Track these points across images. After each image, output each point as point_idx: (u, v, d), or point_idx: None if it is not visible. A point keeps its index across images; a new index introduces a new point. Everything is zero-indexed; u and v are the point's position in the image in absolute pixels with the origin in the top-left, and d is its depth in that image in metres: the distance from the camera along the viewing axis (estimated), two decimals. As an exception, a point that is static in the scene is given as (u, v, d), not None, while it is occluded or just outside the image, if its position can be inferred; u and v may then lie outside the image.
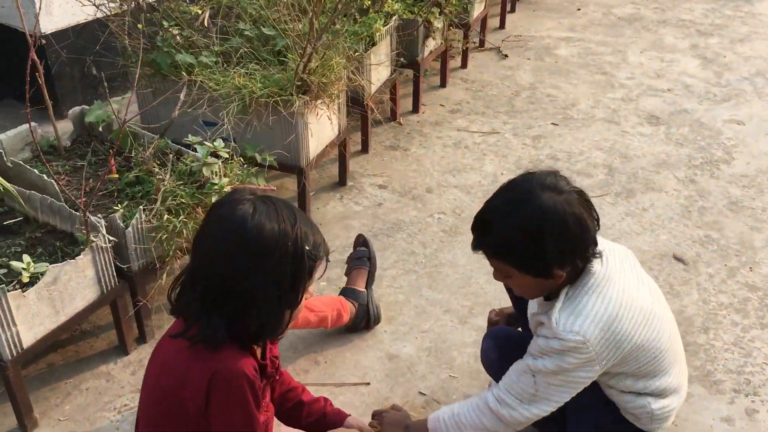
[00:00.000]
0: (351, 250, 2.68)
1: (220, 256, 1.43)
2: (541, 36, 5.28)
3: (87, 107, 2.78)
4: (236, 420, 1.49)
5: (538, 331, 1.74)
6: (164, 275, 2.35)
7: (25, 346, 2.02)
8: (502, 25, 5.40)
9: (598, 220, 1.69)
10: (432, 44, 4.02)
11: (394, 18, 3.57)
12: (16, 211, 2.35)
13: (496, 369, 1.96)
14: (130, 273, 2.30)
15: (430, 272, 2.80)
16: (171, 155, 2.48)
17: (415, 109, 4.07)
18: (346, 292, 2.47)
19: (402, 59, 3.83)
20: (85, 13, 3.16)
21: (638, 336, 1.70)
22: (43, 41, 2.48)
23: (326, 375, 2.34)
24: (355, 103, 3.43)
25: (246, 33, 2.99)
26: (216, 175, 2.39)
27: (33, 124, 2.73)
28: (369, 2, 3.27)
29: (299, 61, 2.62)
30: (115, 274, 2.25)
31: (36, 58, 2.54)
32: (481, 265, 2.77)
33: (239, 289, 1.43)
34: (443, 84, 4.39)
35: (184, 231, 2.30)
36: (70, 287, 2.11)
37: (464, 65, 4.66)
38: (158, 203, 2.31)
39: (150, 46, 2.88)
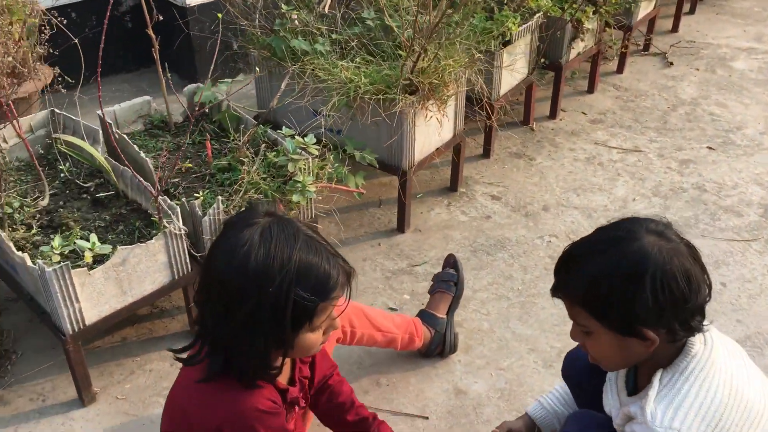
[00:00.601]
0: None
1: (211, 281, 1.33)
2: (718, 44, 4.71)
3: (202, 85, 2.78)
4: None
5: (626, 428, 1.44)
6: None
7: (87, 323, 2.04)
8: (675, 28, 4.86)
9: (710, 286, 1.39)
10: (581, 46, 3.67)
11: (537, 15, 3.28)
12: (110, 184, 2.39)
13: None
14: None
15: (524, 302, 2.55)
16: (262, 145, 2.41)
17: (553, 115, 3.75)
18: (425, 316, 2.29)
19: (543, 60, 3.54)
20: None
21: None
22: (160, 17, 2.47)
23: (385, 400, 2.18)
24: (478, 104, 3.21)
25: (368, 22, 2.85)
26: (301, 172, 2.29)
27: (146, 98, 2.80)
28: (506, -3, 3.01)
29: (404, 59, 2.44)
30: (188, 260, 2.23)
31: (152, 33, 2.57)
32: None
33: (222, 323, 1.31)
34: (591, 89, 4.02)
35: (261, 227, 2.22)
36: (140, 270, 2.11)
37: (620, 70, 4.24)
38: (240, 194, 2.25)
39: (269, 28, 2.83)
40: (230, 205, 2.22)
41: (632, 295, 1.31)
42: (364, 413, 1.79)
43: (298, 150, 2.30)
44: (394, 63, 2.65)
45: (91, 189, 2.37)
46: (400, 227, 2.90)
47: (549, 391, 1.90)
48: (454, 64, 2.57)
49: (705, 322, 1.40)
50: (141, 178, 2.17)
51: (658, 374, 1.40)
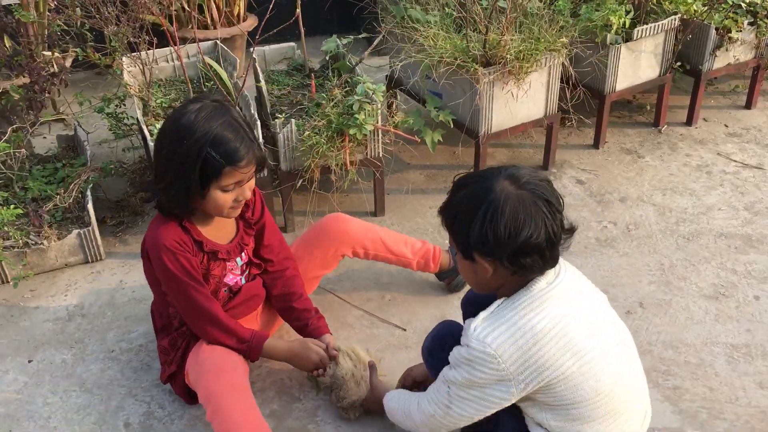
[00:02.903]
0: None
1: (158, 134, 1.87)
2: None
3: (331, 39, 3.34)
4: (163, 280, 1.96)
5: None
6: (299, 181, 2.83)
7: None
8: None
9: (555, 234, 1.57)
10: (730, 56, 3.58)
11: (671, 17, 3.32)
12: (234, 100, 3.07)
13: (428, 367, 1.99)
14: (279, 170, 2.85)
15: (545, 268, 2.74)
16: (347, 89, 2.90)
17: (689, 121, 3.71)
18: (451, 250, 2.61)
19: (680, 64, 3.54)
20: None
21: (569, 369, 1.57)
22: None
23: (380, 309, 2.57)
24: (595, 95, 3.37)
25: (482, 2, 3.18)
26: (364, 112, 2.73)
27: (291, 44, 3.43)
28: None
29: (466, 32, 2.75)
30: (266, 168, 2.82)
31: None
32: (598, 282, 2.62)
33: (155, 164, 1.88)
34: (749, 105, 3.86)
35: (321, 149, 2.73)
36: (224, 163, 2.74)
37: (797, 92, 3.99)
38: (312, 120, 2.77)
39: (396, -2, 3.30)
40: (302, 126, 2.76)
41: (468, 223, 1.57)
42: (309, 305, 2.22)
43: (367, 93, 2.75)
44: (479, 37, 2.97)
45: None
46: (475, 188, 3.21)
47: None
48: (522, 44, 2.82)
49: (550, 268, 1.60)
50: (231, 92, 2.81)
51: (499, 301, 1.64)
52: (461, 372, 1.62)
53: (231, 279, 2.10)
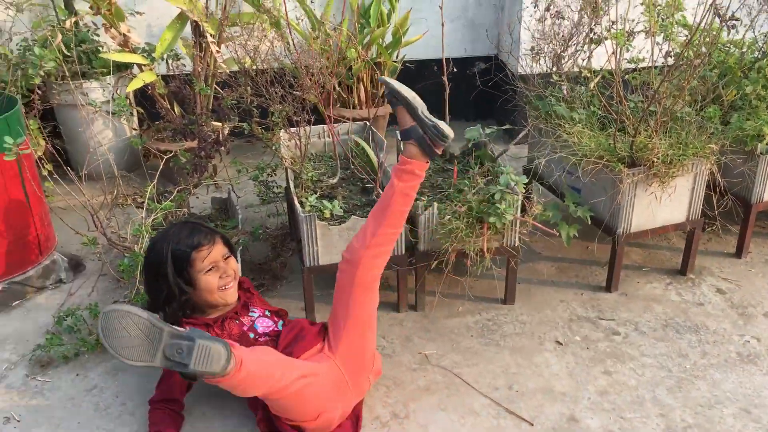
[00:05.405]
0: (631, 327, 2.78)
1: None
2: None
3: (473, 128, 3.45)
4: None
5: None
6: (434, 263, 2.90)
7: (321, 263, 2.86)
8: None
9: None
10: None
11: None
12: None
13: None
14: (416, 250, 2.93)
15: (683, 378, 2.64)
16: (490, 177, 2.98)
17: (842, 238, 3.53)
18: (401, 134, 2.39)
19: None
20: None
21: None
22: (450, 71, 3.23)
23: (507, 399, 2.55)
24: (741, 203, 3.29)
25: (631, 103, 3.21)
26: (505, 202, 2.79)
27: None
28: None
29: (614, 133, 2.78)
30: (404, 244, 2.91)
31: (445, 79, 3.34)
32: (740, 400, 2.50)
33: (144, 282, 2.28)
34: None
35: (460, 234, 2.80)
36: (365, 238, 2.86)
37: None
38: (452, 205, 2.86)
39: (542, 94, 3.39)
40: (444, 211, 2.84)
41: None
42: None
43: (509, 183, 2.82)
44: (626, 138, 2.99)
45: (365, 180, 3.22)
46: (608, 287, 3.17)
47: None
48: (670, 149, 2.81)
49: None
50: (376, 170, 2.94)
51: None
52: None
53: (265, 328, 2.36)
